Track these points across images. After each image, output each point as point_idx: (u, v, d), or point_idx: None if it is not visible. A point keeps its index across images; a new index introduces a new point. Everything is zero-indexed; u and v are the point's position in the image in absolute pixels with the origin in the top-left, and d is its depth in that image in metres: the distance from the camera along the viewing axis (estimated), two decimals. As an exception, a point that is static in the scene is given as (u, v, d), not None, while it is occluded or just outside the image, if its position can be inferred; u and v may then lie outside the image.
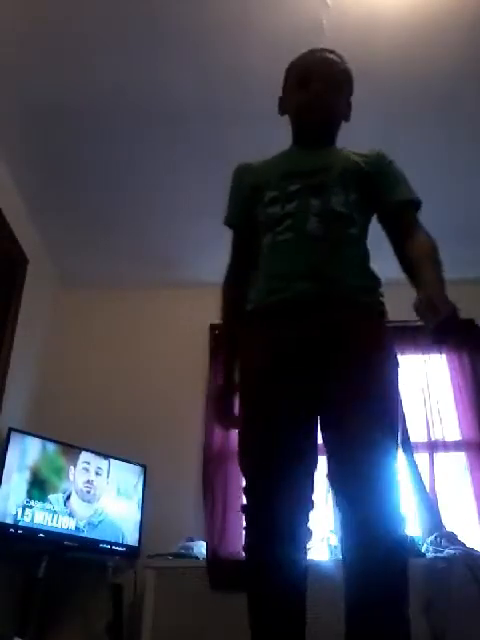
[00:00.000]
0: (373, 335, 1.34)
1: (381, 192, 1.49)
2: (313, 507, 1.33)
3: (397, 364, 1.37)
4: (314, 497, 1.33)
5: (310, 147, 1.55)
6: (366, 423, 1.20)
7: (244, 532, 1.32)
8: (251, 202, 1.51)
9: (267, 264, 1.41)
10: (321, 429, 1.31)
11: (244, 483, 1.33)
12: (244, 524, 1.32)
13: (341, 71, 1.57)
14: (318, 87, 1.50)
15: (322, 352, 1.28)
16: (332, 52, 1.60)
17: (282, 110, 1.66)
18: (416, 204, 1.53)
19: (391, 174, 1.52)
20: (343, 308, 1.31)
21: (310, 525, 1.32)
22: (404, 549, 1.21)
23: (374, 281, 1.45)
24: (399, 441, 1.26)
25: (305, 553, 1.32)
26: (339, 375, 1.26)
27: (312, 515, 1.33)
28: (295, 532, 1.28)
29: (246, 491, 1.31)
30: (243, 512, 1.31)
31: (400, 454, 1.27)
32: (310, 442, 1.32)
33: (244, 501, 1.32)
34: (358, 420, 1.20)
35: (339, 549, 1.29)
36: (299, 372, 1.28)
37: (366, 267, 1.44)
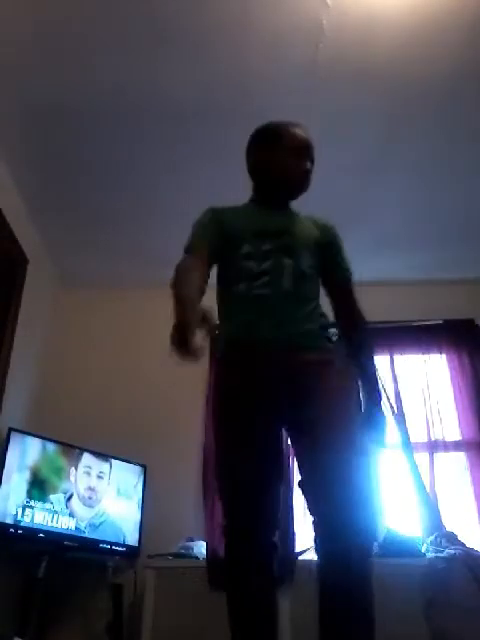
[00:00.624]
0: (325, 366, 1.55)
1: (332, 263, 1.75)
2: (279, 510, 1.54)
3: (351, 385, 1.63)
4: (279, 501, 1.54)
5: (273, 208, 1.74)
6: (330, 436, 1.42)
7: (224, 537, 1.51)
8: (221, 244, 1.65)
9: (243, 310, 1.60)
10: (292, 443, 1.57)
11: (225, 491, 1.52)
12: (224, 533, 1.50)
13: (313, 152, 1.77)
14: (308, 167, 1.72)
15: (289, 382, 1.50)
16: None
17: (259, 165, 1.78)
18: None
19: (341, 249, 1.77)
20: (303, 349, 1.55)
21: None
22: (368, 552, 1.40)
23: (324, 325, 1.65)
24: (363, 448, 1.49)
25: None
26: (305, 399, 1.48)
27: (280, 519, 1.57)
28: (270, 533, 1.50)
29: (229, 498, 1.51)
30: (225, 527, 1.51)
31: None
32: (280, 453, 1.56)
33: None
34: (322, 433, 1.43)
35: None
36: (271, 396, 1.50)
37: (319, 315, 1.65)
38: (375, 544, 2.87)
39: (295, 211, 1.79)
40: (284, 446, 1.59)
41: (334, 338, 1.64)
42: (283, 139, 1.73)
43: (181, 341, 1.46)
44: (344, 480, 1.37)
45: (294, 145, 1.71)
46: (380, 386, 1.70)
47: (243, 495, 1.47)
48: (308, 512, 1.45)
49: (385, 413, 1.66)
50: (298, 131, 1.76)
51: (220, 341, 1.62)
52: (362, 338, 1.73)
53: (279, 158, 1.71)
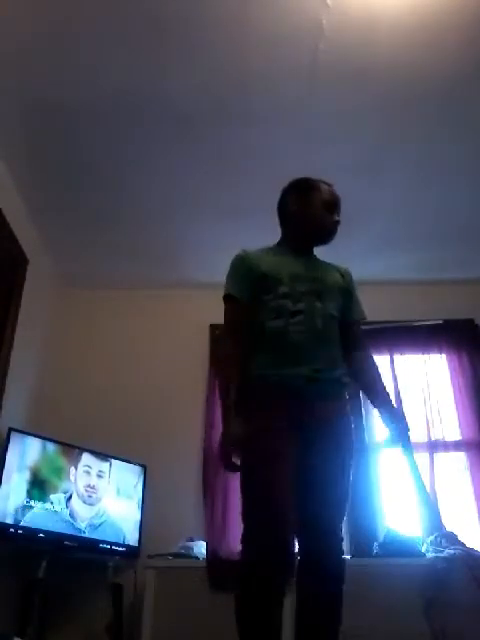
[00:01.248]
0: (343, 410, 1.78)
1: (349, 306, 1.92)
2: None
3: (352, 429, 1.79)
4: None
5: (301, 254, 1.90)
6: (331, 468, 1.67)
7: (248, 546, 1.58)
8: (257, 287, 1.80)
9: (281, 345, 1.73)
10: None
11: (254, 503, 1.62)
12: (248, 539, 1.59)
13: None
14: (337, 220, 1.89)
15: (314, 420, 1.69)
16: None
17: (294, 216, 1.93)
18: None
19: (355, 294, 1.97)
20: (329, 399, 1.74)
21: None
22: (342, 562, 1.64)
23: (345, 371, 1.83)
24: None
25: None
26: (322, 430, 1.69)
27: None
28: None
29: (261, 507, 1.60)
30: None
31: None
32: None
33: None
34: (326, 465, 1.67)
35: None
36: (297, 428, 1.66)
37: (342, 356, 1.83)
38: (375, 544, 2.88)
39: (317, 257, 1.97)
40: None
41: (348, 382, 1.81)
42: (318, 192, 1.89)
43: (228, 457, 1.64)
44: (328, 483, 1.64)
45: (327, 199, 1.88)
46: (397, 408, 1.95)
47: (278, 510, 1.57)
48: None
49: (407, 424, 1.83)
50: (331, 188, 1.93)
51: (252, 371, 1.73)
52: (375, 376, 1.89)
53: (314, 210, 1.88)
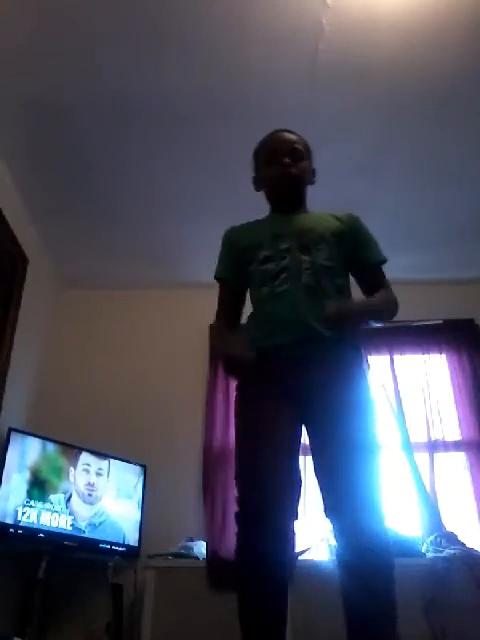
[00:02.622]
0: (349, 363, 1.60)
1: (356, 252, 1.75)
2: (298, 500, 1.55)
3: (367, 384, 1.63)
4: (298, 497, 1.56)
5: (288, 213, 1.79)
6: (345, 435, 1.48)
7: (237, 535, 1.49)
8: (243, 260, 1.75)
9: (267, 310, 1.64)
10: (310, 440, 1.57)
11: (239, 491, 1.52)
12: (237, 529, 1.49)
13: (301, 143, 1.81)
14: (285, 161, 1.75)
15: (310, 379, 1.54)
16: (289, 131, 1.84)
17: (257, 186, 1.88)
18: (384, 263, 1.80)
19: (365, 236, 1.78)
20: (328, 344, 1.57)
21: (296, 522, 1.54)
22: (388, 546, 1.45)
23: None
24: (379, 444, 1.57)
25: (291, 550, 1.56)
26: (323, 395, 1.52)
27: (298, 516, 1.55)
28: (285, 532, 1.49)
29: (244, 491, 1.50)
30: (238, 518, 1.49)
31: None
32: (296, 441, 1.58)
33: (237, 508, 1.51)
34: (338, 433, 1.48)
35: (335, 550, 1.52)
36: (291, 394, 1.54)
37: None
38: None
39: (311, 210, 1.84)
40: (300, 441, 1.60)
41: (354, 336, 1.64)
42: (259, 154, 1.85)
43: (225, 362, 1.62)
44: (360, 481, 1.46)
45: (267, 153, 1.80)
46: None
47: (258, 476, 1.48)
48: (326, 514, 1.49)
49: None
50: (273, 136, 1.83)
51: (250, 343, 1.64)
52: (376, 295, 1.70)
53: (261, 173, 1.83)
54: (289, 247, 1.67)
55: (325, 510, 1.49)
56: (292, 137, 1.81)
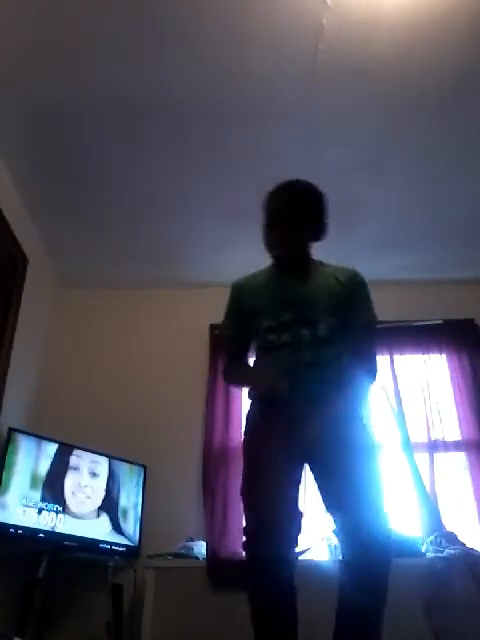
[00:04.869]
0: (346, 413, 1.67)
1: (351, 312, 1.79)
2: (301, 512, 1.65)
3: (365, 425, 1.72)
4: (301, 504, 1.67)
5: (290, 273, 1.83)
6: (344, 439, 1.60)
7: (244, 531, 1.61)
8: (249, 322, 1.84)
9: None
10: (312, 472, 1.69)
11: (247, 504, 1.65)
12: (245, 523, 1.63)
13: (301, 204, 1.78)
14: (275, 236, 1.79)
15: (310, 439, 1.64)
16: (292, 187, 1.81)
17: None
18: (374, 324, 1.85)
19: (362, 298, 1.82)
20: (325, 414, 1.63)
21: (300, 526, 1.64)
22: (389, 545, 1.54)
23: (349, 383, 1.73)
24: (378, 449, 1.71)
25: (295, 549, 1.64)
26: (323, 428, 1.61)
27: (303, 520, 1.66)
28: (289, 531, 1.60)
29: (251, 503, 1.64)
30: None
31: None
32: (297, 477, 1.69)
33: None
34: (337, 438, 1.59)
35: (339, 549, 1.65)
36: (294, 445, 1.64)
37: (343, 373, 1.72)
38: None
39: (318, 266, 1.88)
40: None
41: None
42: (263, 209, 1.84)
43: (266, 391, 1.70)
44: (364, 485, 1.58)
45: (266, 215, 1.82)
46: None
47: (264, 499, 1.59)
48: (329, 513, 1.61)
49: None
50: (274, 196, 1.82)
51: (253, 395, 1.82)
52: (357, 374, 1.76)
53: (263, 234, 1.84)
54: (290, 321, 1.73)
55: (327, 508, 1.56)
56: (289, 201, 1.78)
